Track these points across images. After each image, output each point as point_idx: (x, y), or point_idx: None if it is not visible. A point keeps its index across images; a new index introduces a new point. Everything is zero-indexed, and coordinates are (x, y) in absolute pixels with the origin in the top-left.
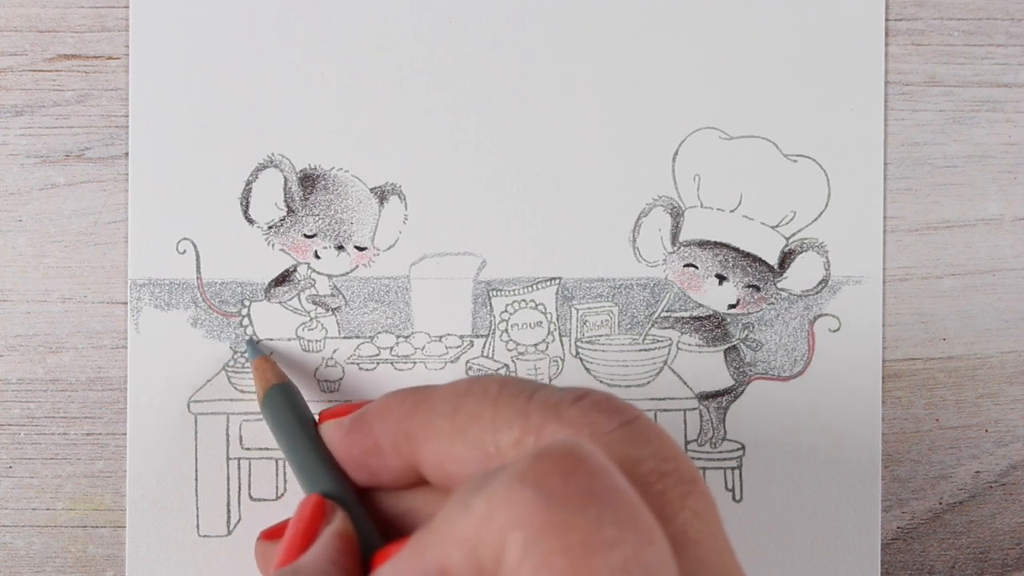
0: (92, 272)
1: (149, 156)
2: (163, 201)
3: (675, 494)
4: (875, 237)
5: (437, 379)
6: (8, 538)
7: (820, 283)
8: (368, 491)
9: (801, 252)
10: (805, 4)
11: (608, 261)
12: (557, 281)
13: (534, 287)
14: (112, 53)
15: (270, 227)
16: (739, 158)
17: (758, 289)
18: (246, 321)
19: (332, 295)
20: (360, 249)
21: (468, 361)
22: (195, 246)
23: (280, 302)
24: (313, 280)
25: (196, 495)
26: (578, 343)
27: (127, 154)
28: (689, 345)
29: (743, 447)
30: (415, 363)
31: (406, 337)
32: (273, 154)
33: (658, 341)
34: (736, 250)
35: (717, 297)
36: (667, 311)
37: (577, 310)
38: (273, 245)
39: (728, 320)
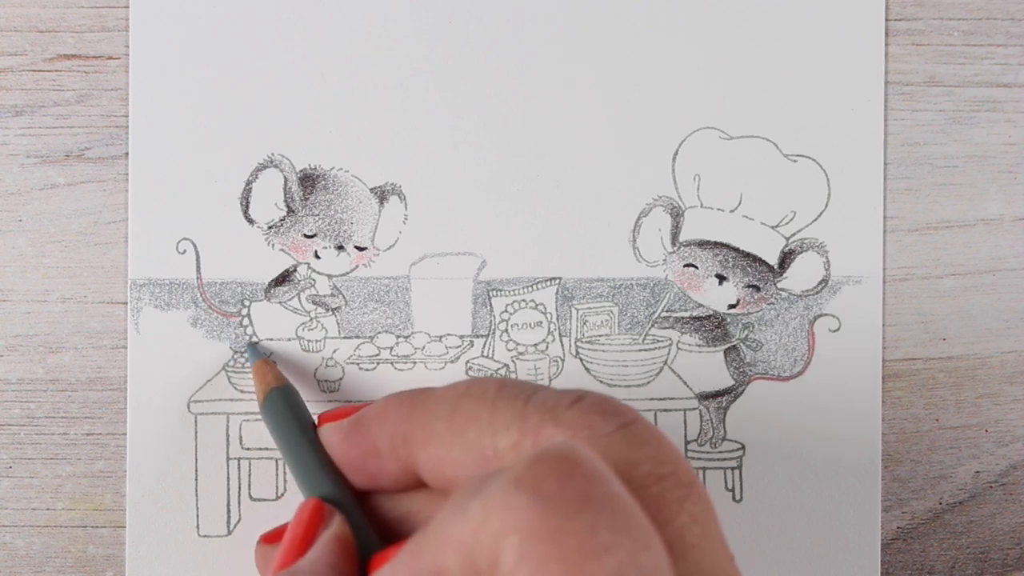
0: (92, 272)
1: (149, 156)
2: (163, 201)
3: (673, 497)
4: (875, 237)
5: (437, 379)
6: (8, 538)
7: (820, 283)
8: (367, 494)
9: (801, 252)
10: (805, 4)
11: (608, 261)
12: (557, 281)
13: (534, 287)
14: (112, 53)
15: (270, 227)
16: (739, 158)
17: (758, 289)
18: (246, 321)
19: (332, 295)
20: (360, 249)
21: (468, 361)
22: (195, 246)
23: (280, 302)
24: (313, 280)
25: (196, 495)
26: (578, 343)
27: (127, 154)
28: (689, 345)
29: (743, 447)
30: (415, 363)
31: (406, 337)
32: (273, 154)
33: (658, 341)
34: (736, 250)
35: (717, 297)
36: (667, 311)
37: (577, 310)
38: (273, 245)
39: (728, 320)
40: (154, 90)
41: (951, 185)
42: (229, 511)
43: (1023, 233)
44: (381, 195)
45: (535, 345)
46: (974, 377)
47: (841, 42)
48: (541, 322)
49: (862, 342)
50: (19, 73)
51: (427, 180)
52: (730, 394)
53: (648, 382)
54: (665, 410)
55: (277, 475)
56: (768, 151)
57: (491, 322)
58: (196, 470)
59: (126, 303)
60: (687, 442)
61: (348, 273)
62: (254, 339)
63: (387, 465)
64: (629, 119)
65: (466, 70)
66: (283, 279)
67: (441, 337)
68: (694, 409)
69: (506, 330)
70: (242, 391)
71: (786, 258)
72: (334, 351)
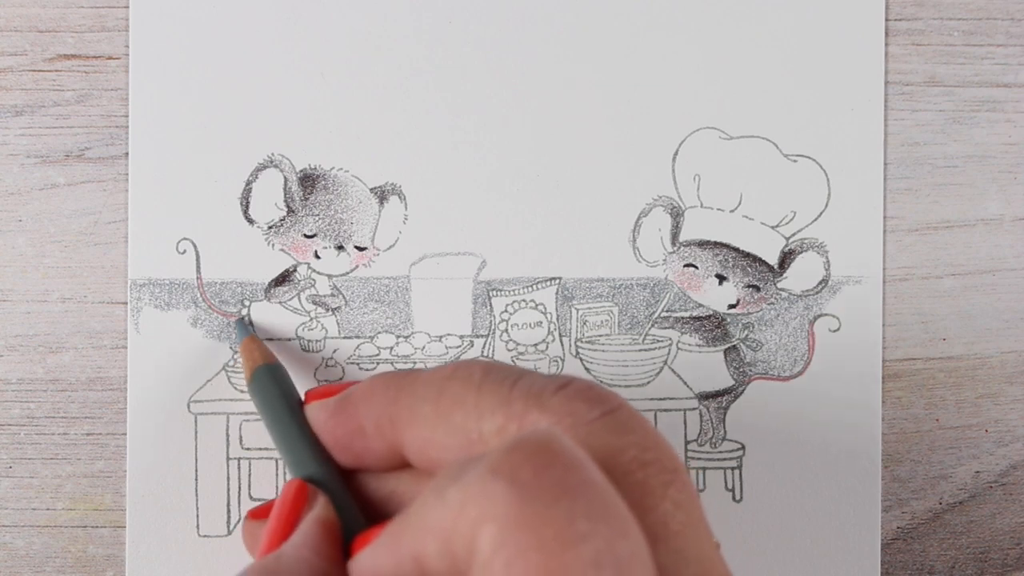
0: (92, 272)
1: (149, 156)
2: (163, 201)
3: (656, 484)
4: (875, 237)
5: None
6: (8, 538)
7: (820, 283)
8: (353, 472)
9: (801, 252)
10: (805, 4)
11: (608, 261)
12: (557, 281)
13: (534, 287)
14: (112, 53)
15: (270, 227)
16: (739, 158)
17: (758, 289)
18: (246, 321)
19: (332, 295)
20: (360, 249)
21: None
22: (195, 246)
23: (280, 302)
24: (313, 280)
25: (196, 495)
26: (578, 343)
27: (127, 154)
28: (689, 345)
29: (743, 447)
30: (415, 363)
31: (406, 337)
32: (273, 154)
33: (658, 341)
34: (736, 250)
35: (717, 297)
36: (667, 311)
37: (577, 310)
38: (273, 245)
39: (728, 320)
40: (154, 90)
41: (951, 185)
42: (229, 511)
43: (1023, 233)
44: (381, 195)
45: (535, 345)
46: (974, 377)
47: (841, 42)
48: (541, 322)
49: (862, 342)
50: (19, 73)
51: (427, 180)
52: (730, 394)
53: (648, 382)
54: (665, 410)
55: (277, 475)
56: (768, 151)
57: (491, 322)
58: (196, 470)
59: (126, 303)
60: (687, 442)
61: (348, 273)
62: (246, 318)
63: (373, 445)
64: (629, 119)
65: (466, 70)
66: (283, 279)
67: (441, 337)
68: (694, 409)
69: (506, 330)
70: (242, 391)
71: (786, 258)
72: (334, 351)
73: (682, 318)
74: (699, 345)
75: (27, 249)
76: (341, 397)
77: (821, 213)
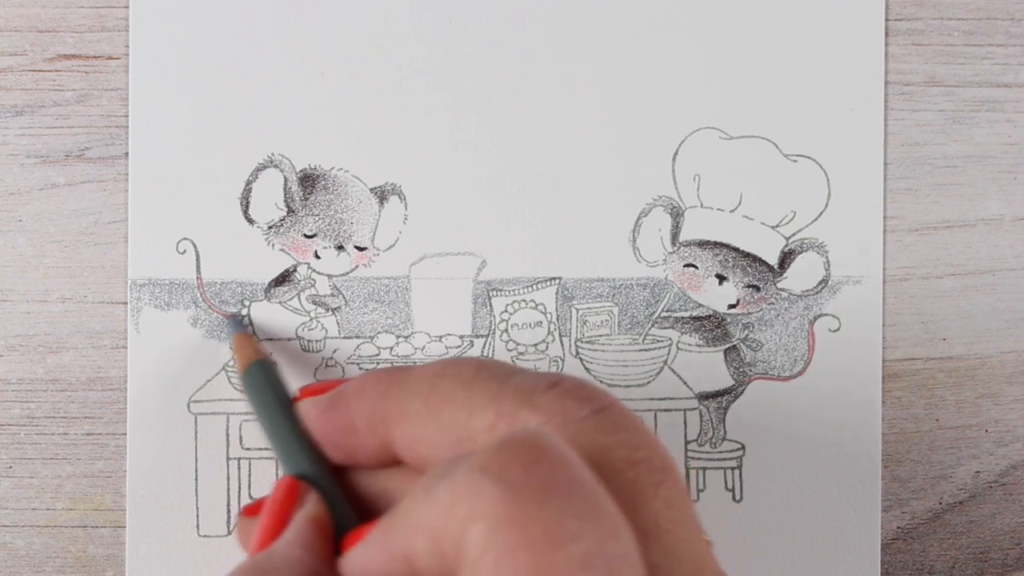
0: (92, 272)
1: (149, 156)
2: (163, 201)
3: (647, 482)
4: (875, 237)
5: None
6: (8, 538)
7: (820, 283)
8: (345, 469)
9: (801, 252)
10: (805, 4)
11: (608, 261)
12: (557, 281)
13: (534, 287)
14: (112, 53)
15: (270, 227)
16: (739, 158)
17: (758, 289)
18: (246, 321)
19: (332, 295)
20: (360, 249)
21: None
22: (195, 246)
23: (280, 302)
24: (313, 280)
25: (196, 495)
26: (578, 343)
27: (127, 154)
28: (689, 345)
29: (743, 447)
30: (415, 363)
31: (406, 337)
32: (273, 154)
33: (658, 341)
34: (736, 250)
35: (717, 297)
36: (667, 311)
37: (577, 310)
38: (273, 245)
39: (728, 320)
40: (154, 90)
41: (951, 185)
42: (229, 511)
43: (1023, 233)
44: (381, 195)
45: (535, 345)
46: (974, 377)
47: (841, 42)
48: (541, 322)
49: (862, 342)
50: (19, 73)
51: (427, 180)
52: (730, 394)
53: (648, 382)
54: (665, 410)
55: (277, 475)
56: (768, 151)
57: (491, 322)
58: (196, 470)
59: (126, 303)
60: (687, 442)
61: (348, 273)
62: (239, 313)
63: (364, 442)
64: (629, 119)
65: (466, 70)
66: (283, 279)
67: (441, 337)
68: (694, 409)
69: (506, 330)
70: (242, 391)
71: (786, 258)
72: (334, 351)
73: (682, 318)
74: (699, 345)
75: (27, 249)
76: (333, 394)
77: (821, 213)
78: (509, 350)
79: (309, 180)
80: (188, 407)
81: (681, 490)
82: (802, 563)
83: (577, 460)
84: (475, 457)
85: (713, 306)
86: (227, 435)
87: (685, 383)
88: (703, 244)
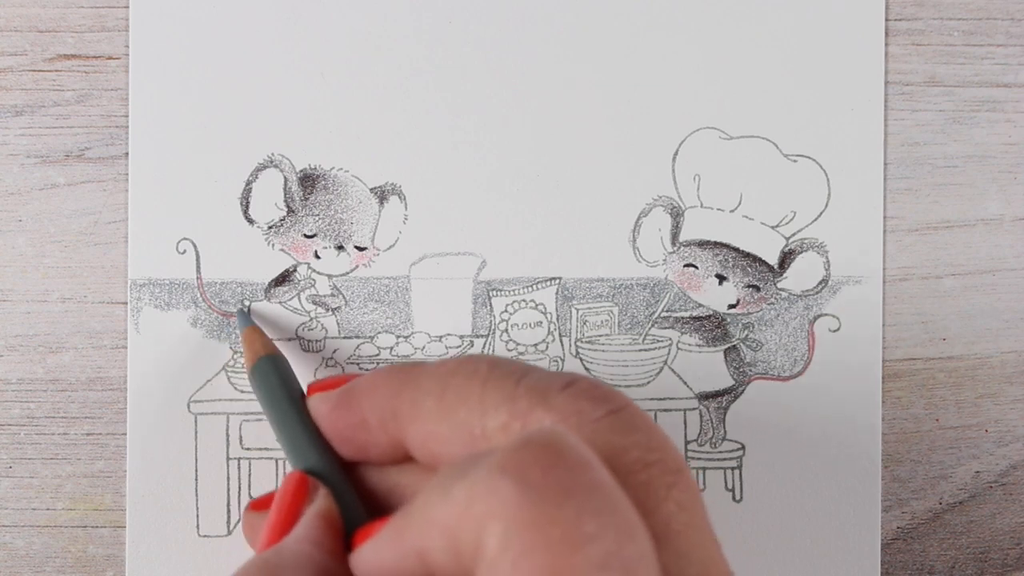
0: (92, 272)
1: (149, 156)
2: (163, 201)
3: (660, 484)
4: (875, 237)
5: None
6: (8, 538)
7: (820, 283)
8: (355, 464)
9: (801, 252)
10: (805, 4)
11: (608, 261)
12: (557, 281)
13: (534, 287)
14: (112, 53)
15: (270, 227)
16: (739, 158)
17: (758, 289)
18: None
19: (332, 295)
20: (360, 249)
21: None
22: (195, 246)
23: (280, 302)
24: (313, 280)
25: (196, 495)
26: (578, 343)
27: (127, 154)
28: (689, 345)
29: (743, 447)
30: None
31: (406, 337)
32: (273, 154)
33: (658, 341)
34: (736, 250)
35: (717, 297)
36: (667, 311)
37: (577, 310)
38: (273, 245)
39: (728, 320)
40: (154, 90)
41: (951, 185)
42: (229, 511)
43: (1023, 233)
44: (381, 195)
45: (535, 345)
46: (974, 377)
47: (841, 42)
48: (541, 322)
49: (862, 342)
50: (19, 73)
51: (427, 180)
52: (730, 394)
53: (648, 382)
54: (665, 410)
55: (277, 475)
56: (768, 151)
57: (491, 322)
58: (196, 470)
59: (126, 303)
60: (687, 442)
61: (348, 273)
62: (245, 307)
63: (375, 438)
64: (629, 119)
65: (466, 70)
66: (283, 279)
67: (441, 337)
68: (694, 409)
69: (506, 330)
70: (242, 391)
71: (786, 258)
72: (334, 351)
73: (682, 318)
74: (699, 345)
75: (27, 249)
76: (344, 390)
77: (821, 213)
78: (509, 350)
79: (309, 180)
80: (188, 407)
81: (694, 492)
82: (802, 563)
83: (596, 461)
84: (494, 456)
85: (713, 306)
86: (227, 435)
87: (685, 383)
88: (703, 244)
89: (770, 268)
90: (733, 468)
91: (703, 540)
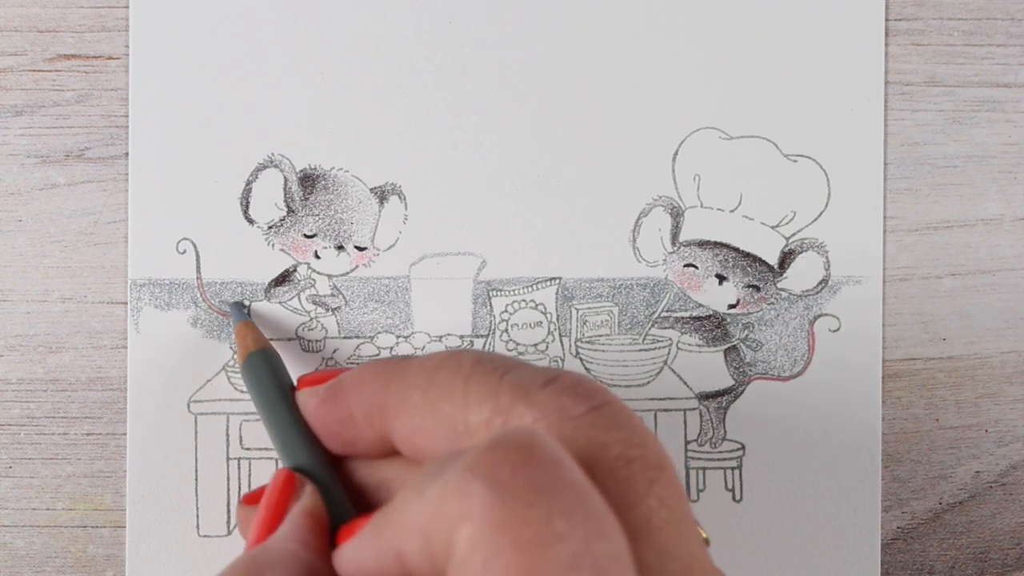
0: (92, 272)
1: (149, 156)
2: (163, 201)
3: (641, 480)
4: (875, 237)
5: None
6: (8, 538)
7: (820, 283)
8: (343, 459)
9: (801, 252)
10: (805, 4)
11: (608, 261)
12: (557, 281)
13: (534, 287)
14: (112, 53)
15: (270, 227)
16: (739, 158)
17: (758, 289)
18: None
19: (332, 295)
20: (360, 249)
21: None
22: (195, 246)
23: (280, 302)
24: (313, 280)
25: (196, 495)
26: (578, 343)
27: (127, 154)
28: (689, 345)
29: (743, 447)
30: None
31: (406, 337)
32: (273, 154)
33: (658, 341)
34: (736, 250)
35: (717, 297)
36: (667, 311)
37: (577, 310)
38: (273, 245)
39: (728, 320)
40: (154, 90)
41: (951, 185)
42: (229, 511)
43: (1023, 233)
44: (381, 195)
45: (535, 345)
46: (974, 377)
47: (841, 42)
48: (541, 322)
49: (862, 342)
50: (19, 73)
51: (427, 180)
52: (730, 394)
53: (648, 382)
54: (665, 410)
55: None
56: (768, 151)
57: (491, 322)
58: (196, 470)
59: (126, 303)
60: (687, 442)
61: (348, 273)
62: (241, 301)
63: (362, 433)
64: (629, 119)
65: (466, 70)
66: (283, 279)
67: (441, 337)
68: (694, 409)
69: (506, 330)
70: (242, 391)
71: (786, 258)
72: (334, 351)
73: (682, 318)
74: (699, 345)
75: (27, 249)
76: (331, 384)
77: (821, 213)
78: (509, 350)
79: (309, 180)
80: (188, 407)
81: (676, 488)
82: (802, 563)
83: (568, 460)
84: (465, 457)
85: (713, 306)
86: (227, 435)
87: (685, 383)
88: (703, 244)
89: (770, 268)
90: (733, 468)
91: (686, 536)
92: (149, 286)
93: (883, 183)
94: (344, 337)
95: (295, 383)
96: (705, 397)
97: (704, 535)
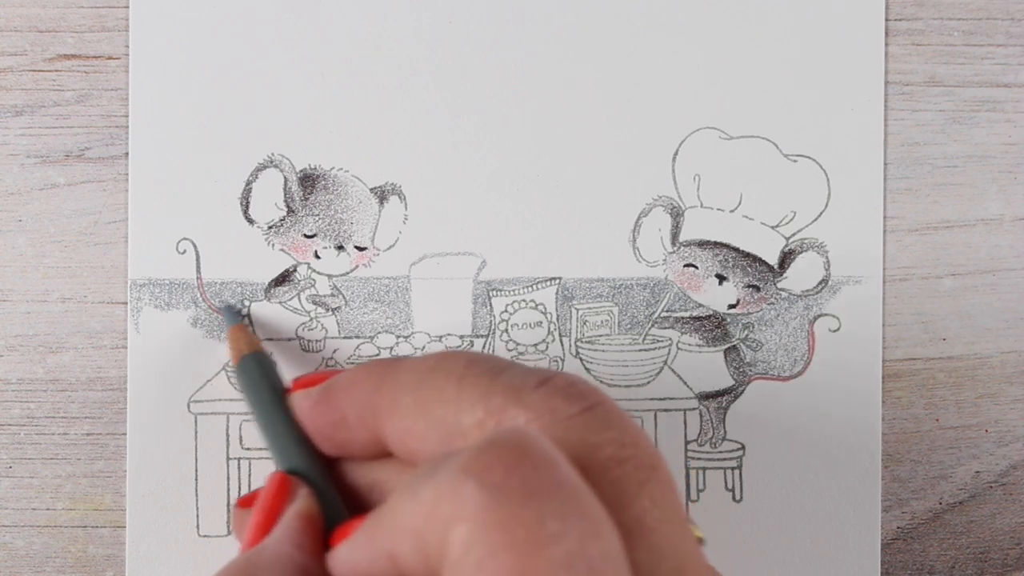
0: (92, 272)
1: (149, 156)
2: (163, 201)
3: (633, 480)
4: (875, 237)
5: None
6: (8, 538)
7: (820, 283)
8: (337, 460)
9: (801, 252)
10: (805, 4)
11: (608, 261)
12: (557, 281)
13: (534, 287)
14: (112, 53)
15: (270, 227)
16: (739, 158)
17: (758, 289)
18: (246, 321)
19: (332, 295)
20: (360, 249)
21: None
22: (195, 246)
23: (280, 302)
24: (313, 280)
25: (196, 495)
26: (578, 343)
27: (127, 154)
28: (689, 345)
29: (743, 447)
30: None
31: (406, 337)
32: (273, 154)
33: (658, 341)
34: (736, 250)
35: (717, 297)
36: (667, 311)
37: (577, 310)
38: (273, 245)
39: (728, 320)
40: (154, 90)
41: (951, 185)
42: (229, 511)
43: (1023, 233)
44: (381, 195)
45: (535, 345)
46: (974, 377)
47: (841, 42)
48: (541, 322)
49: (862, 342)
50: (19, 73)
51: (427, 180)
52: (730, 394)
53: (648, 382)
54: (665, 410)
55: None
56: (768, 151)
57: (491, 322)
58: (196, 470)
59: (126, 303)
60: (687, 442)
61: (348, 273)
62: (235, 304)
63: (355, 435)
64: (629, 119)
65: (466, 70)
66: (283, 279)
67: (441, 337)
68: (694, 409)
69: (506, 330)
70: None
71: (786, 258)
72: (334, 351)
73: (682, 318)
74: (699, 345)
75: (27, 249)
76: (324, 386)
77: (821, 213)
78: (509, 350)
79: (309, 180)
80: (188, 407)
81: (668, 488)
82: (802, 563)
83: (562, 460)
84: (458, 458)
85: (713, 306)
86: (227, 435)
87: (685, 383)
88: (703, 244)
89: (770, 268)
90: (733, 468)
91: (679, 536)
92: (149, 286)
93: (883, 183)
94: (344, 337)
95: (290, 385)
96: (705, 397)
97: (698, 534)
